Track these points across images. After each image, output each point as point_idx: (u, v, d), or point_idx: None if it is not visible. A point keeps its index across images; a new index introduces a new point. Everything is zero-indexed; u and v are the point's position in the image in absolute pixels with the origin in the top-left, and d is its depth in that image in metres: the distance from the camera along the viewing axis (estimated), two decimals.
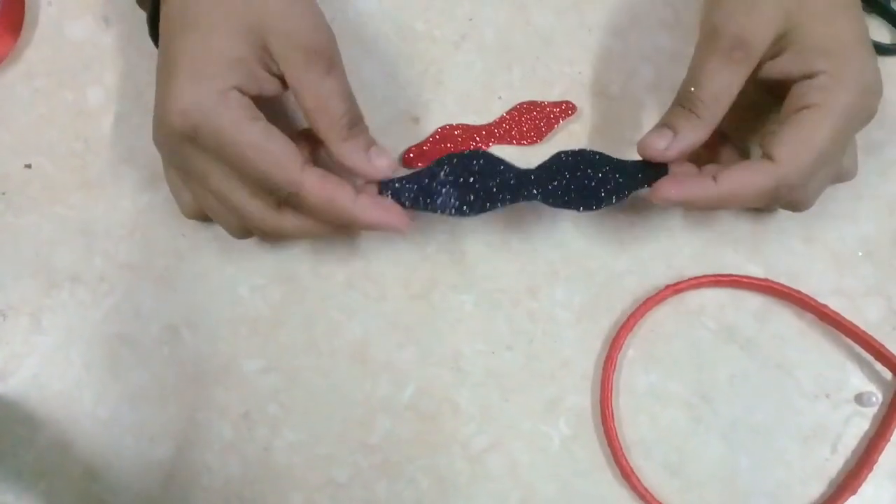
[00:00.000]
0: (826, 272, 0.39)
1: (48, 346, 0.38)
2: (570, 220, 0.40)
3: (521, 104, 0.40)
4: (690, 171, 0.36)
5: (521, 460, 0.37)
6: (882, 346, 0.37)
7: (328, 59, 0.33)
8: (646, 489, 0.36)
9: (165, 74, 0.32)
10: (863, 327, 0.38)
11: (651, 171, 0.35)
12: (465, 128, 0.40)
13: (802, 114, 0.33)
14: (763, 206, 0.35)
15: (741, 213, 0.40)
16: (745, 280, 0.39)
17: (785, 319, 0.39)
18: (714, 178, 0.33)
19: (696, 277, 0.39)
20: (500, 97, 0.41)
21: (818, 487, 0.37)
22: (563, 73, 0.41)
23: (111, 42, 0.40)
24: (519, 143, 0.40)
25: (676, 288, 0.39)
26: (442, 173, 0.35)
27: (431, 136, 0.40)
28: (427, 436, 0.37)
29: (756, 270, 0.39)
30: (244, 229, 0.34)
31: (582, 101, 0.41)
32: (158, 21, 0.34)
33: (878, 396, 0.38)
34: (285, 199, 0.32)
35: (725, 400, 0.38)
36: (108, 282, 0.38)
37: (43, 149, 0.39)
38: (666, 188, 0.34)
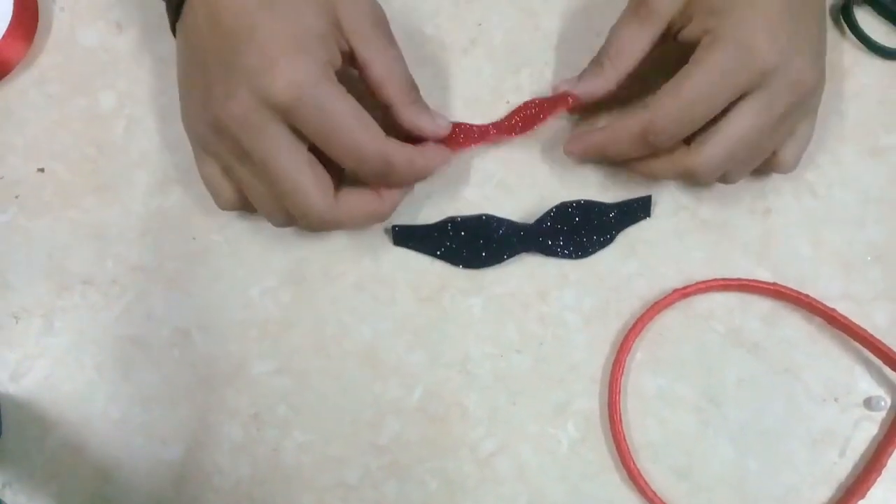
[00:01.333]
0: (834, 276, 0.40)
1: (60, 348, 0.38)
2: None
3: (524, 103, 0.41)
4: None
5: (529, 463, 0.38)
6: (891, 350, 0.37)
7: (388, 29, 0.35)
8: (654, 492, 0.36)
9: (257, 53, 0.31)
10: (871, 331, 0.38)
11: (635, 210, 0.40)
12: (466, 127, 0.40)
13: (683, 69, 0.34)
14: (639, 153, 0.36)
15: (750, 218, 0.40)
16: (753, 284, 0.39)
17: (793, 323, 0.39)
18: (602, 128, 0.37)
19: (704, 281, 0.39)
20: (508, 101, 0.41)
21: (826, 491, 0.37)
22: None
23: (123, 47, 0.41)
24: (518, 134, 0.40)
25: (685, 292, 0.39)
26: (451, 231, 0.39)
27: None
28: (436, 438, 0.38)
29: (764, 274, 0.39)
30: (289, 216, 0.35)
31: (590, 104, 0.41)
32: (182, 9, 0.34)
33: (886, 401, 0.38)
34: (373, 173, 0.33)
35: (734, 403, 0.38)
36: (119, 284, 0.39)
37: (56, 153, 0.40)
38: (568, 141, 0.39)
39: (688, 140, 0.35)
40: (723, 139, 0.34)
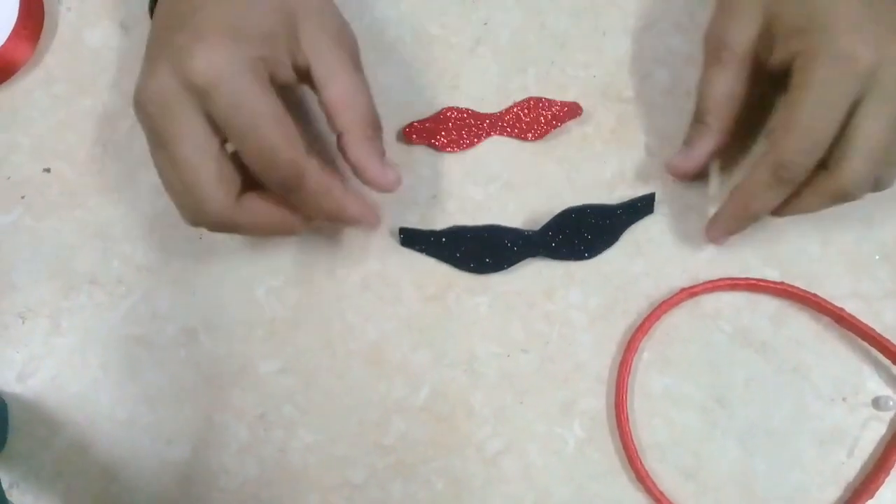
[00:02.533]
0: (843, 276, 0.39)
1: (67, 348, 0.38)
2: None
3: (529, 99, 0.41)
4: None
5: (535, 463, 0.37)
6: None
7: (356, 57, 0.34)
8: (661, 492, 0.36)
9: (189, 32, 0.30)
10: (880, 331, 0.38)
11: (639, 208, 0.40)
12: (470, 113, 0.40)
13: (785, 98, 0.34)
14: (780, 198, 0.35)
15: None
16: (761, 283, 0.39)
17: (801, 323, 0.39)
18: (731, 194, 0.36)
19: (711, 281, 0.39)
20: (514, 100, 0.41)
21: (835, 491, 0.37)
22: (578, 77, 0.41)
23: (129, 47, 0.41)
24: (520, 137, 0.40)
25: (692, 291, 0.39)
26: (458, 239, 0.39)
27: (434, 115, 0.40)
28: (442, 437, 0.38)
29: (772, 274, 0.39)
30: (198, 213, 0.32)
31: (596, 104, 0.41)
32: None
33: (894, 400, 0.38)
34: (281, 182, 0.31)
35: (741, 403, 0.38)
36: (125, 284, 0.39)
37: (62, 153, 0.40)
38: (710, 229, 0.39)
39: (822, 164, 0.34)
40: (858, 150, 0.33)
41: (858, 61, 0.32)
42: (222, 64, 0.30)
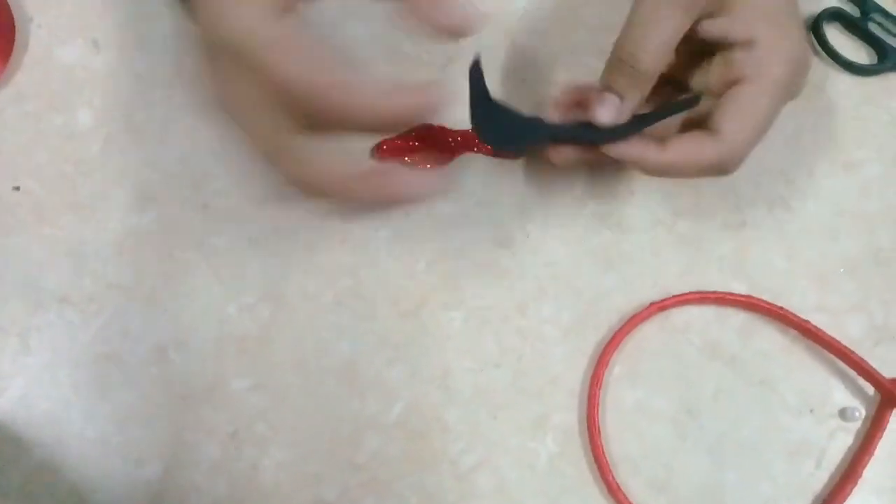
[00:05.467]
0: (809, 289, 0.40)
1: (36, 367, 0.38)
2: (559, 239, 0.40)
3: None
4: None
5: (508, 477, 0.38)
6: (864, 361, 0.38)
7: None
8: None
9: None
10: (845, 343, 0.38)
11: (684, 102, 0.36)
12: (441, 129, 0.41)
13: (744, 88, 0.33)
14: (701, 176, 0.35)
15: (725, 231, 0.41)
16: (728, 297, 0.39)
17: (769, 336, 0.39)
18: (663, 145, 0.34)
19: (680, 295, 0.39)
20: None
21: (803, 502, 0.38)
22: (549, 95, 0.42)
23: (101, 65, 0.41)
24: (492, 155, 0.41)
25: (662, 305, 0.39)
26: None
27: (406, 132, 0.40)
28: (415, 454, 0.38)
29: (740, 287, 0.40)
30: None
31: None
32: None
33: (861, 411, 0.39)
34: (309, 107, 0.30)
35: (711, 416, 0.38)
36: (96, 302, 0.38)
37: (32, 171, 0.39)
38: (616, 147, 0.35)
39: (692, 123, 0.34)
40: (753, 126, 0.33)
41: (804, 66, 0.34)
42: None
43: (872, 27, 0.44)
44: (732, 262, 0.40)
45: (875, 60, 0.44)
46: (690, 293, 0.39)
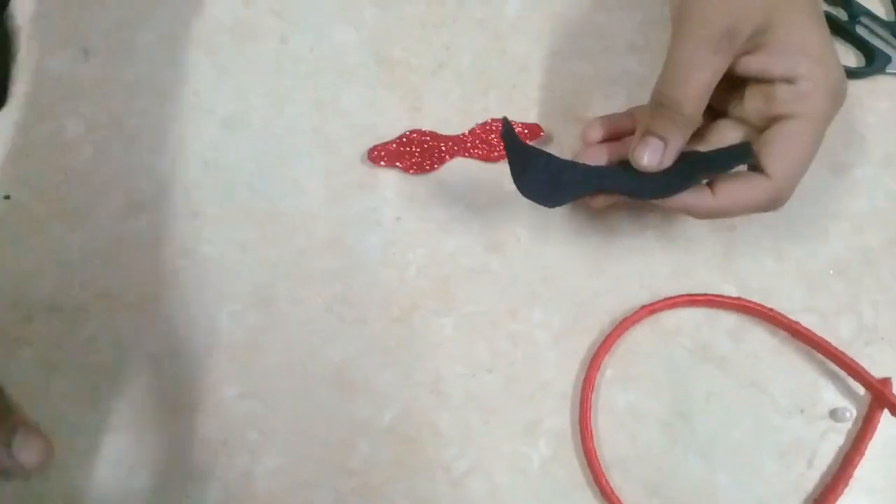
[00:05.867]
0: (798, 290, 0.40)
1: (26, 377, 0.38)
2: (549, 244, 0.40)
3: (491, 120, 0.41)
4: None
5: (501, 482, 0.37)
6: (854, 362, 0.38)
7: None
8: None
9: None
10: (835, 344, 0.38)
11: (737, 153, 0.35)
12: (433, 135, 0.41)
13: (790, 125, 0.34)
14: (749, 213, 0.36)
15: (714, 233, 0.41)
16: (718, 299, 0.39)
17: (759, 337, 0.40)
18: (712, 191, 0.34)
19: (671, 297, 0.39)
20: (476, 122, 0.42)
21: (795, 502, 0.38)
22: (539, 99, 0.42)
23: (89, 74, 0.41)
24: (483, 159, 0.41)
25: (652, 308, 0.39)
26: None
27: (399, 137, 0.41)
28: (407, 459, 0.38)
29: (730, 289, 0.40)
30: None
31: (557, 125, 0.42)
32: None
33: (851, 412, 0.39)
34: None
35: (703, 418, 0.38)
36: (85, 312, 0.38)
37: (22, 180, 0.39)
38: (690, 206, 0.35)
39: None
40: (802, 163, 0.34)
41: (842, 97, 0.34)
42: None
43: (860, 30, 0.44)
44: (722, 265, 0.40)
45: (863, 63, 0.44)
46: (681, 296, 0.39)
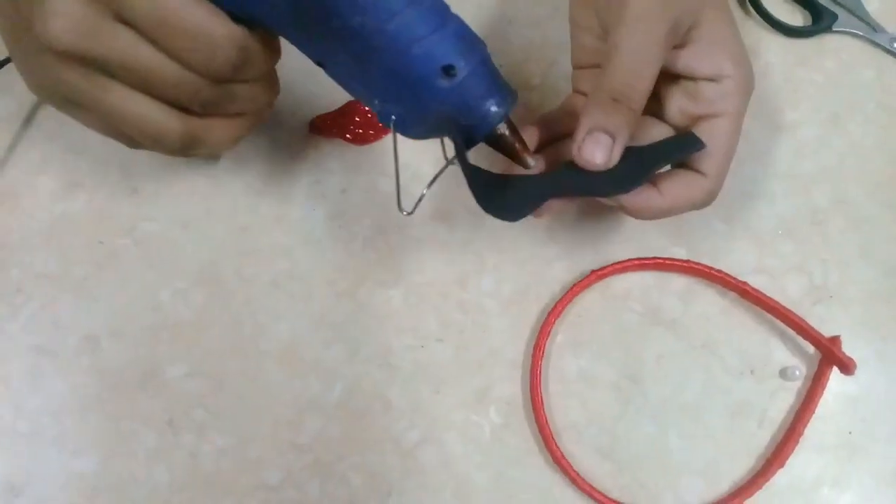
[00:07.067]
0: (747, 251, 0.40)
1: None
2: None
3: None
4: None
5: (453, 452, 0.37)
6: (803, 321, 0.38)
7: None
8: (577, 474, 0.36)
9: None
10: (784, 304, 0.38)
11: (685, 143, 0.34)
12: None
13: (717, 124, 0.34)
14: (686, 211, 0.35)
15: None
16: (668, 262, 0.39)
17: (709, 299, 0.40)
18: (659, 191, 0.34)
19: (620, 262, 0.39)
20: None
21: (747, 462, 0.38)
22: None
23: None
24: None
25: (601, 273, 0.39)
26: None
27: (340, 107, 0.40)
28: (358, 433, 0.37)
29: (679, 252, 0.40)
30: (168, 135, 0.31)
31: None
32: None
33: (801, 370, 0.39)
34: (223, 66, 0.29)
35: (654, 381, 0.38)
36: (24, 293, 0.37)
37: None
38: (630, 203, 0.34)
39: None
40: (729, 159, 0.34)
41: (751, 92, 0.34)
42: None
43: None
44: (671, 228, 0.40)
45: (809, 22, 0.44)
46: (630, 260, 0.39)
